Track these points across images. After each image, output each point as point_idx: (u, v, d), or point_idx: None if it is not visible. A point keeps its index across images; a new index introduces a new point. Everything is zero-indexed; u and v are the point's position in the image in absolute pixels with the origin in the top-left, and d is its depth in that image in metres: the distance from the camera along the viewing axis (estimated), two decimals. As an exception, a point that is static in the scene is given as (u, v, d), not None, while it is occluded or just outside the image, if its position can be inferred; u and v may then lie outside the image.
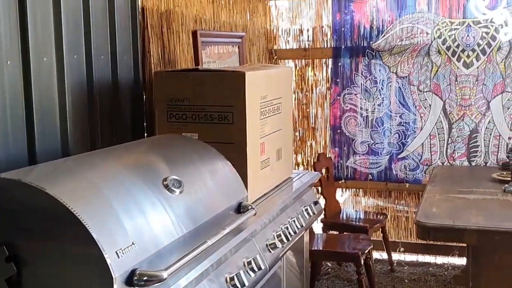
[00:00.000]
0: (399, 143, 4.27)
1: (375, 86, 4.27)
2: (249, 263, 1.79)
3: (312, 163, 4.35)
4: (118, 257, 1.25)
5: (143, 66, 2.52)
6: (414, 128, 4.22)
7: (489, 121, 4.06)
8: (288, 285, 2.35)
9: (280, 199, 2.32)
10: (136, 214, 1.40)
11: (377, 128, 4.30)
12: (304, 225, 2.42)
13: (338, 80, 4.37)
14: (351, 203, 4.67)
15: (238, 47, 3.53)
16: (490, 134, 4.07)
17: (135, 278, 1.27)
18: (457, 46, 4.05)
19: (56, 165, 1.59)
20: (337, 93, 4.38)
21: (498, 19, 3.21)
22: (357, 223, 4.00)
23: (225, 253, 1.67)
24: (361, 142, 4.35)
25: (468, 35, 4.03)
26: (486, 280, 2.67)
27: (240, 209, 1.86)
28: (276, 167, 2.47)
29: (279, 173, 2.53)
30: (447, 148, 4.17)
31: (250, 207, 1.86)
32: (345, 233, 3.91)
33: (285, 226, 2.23)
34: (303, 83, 4.56)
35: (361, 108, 4.32)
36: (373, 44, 4.23)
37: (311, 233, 3.61)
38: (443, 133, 4.16)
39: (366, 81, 4.28)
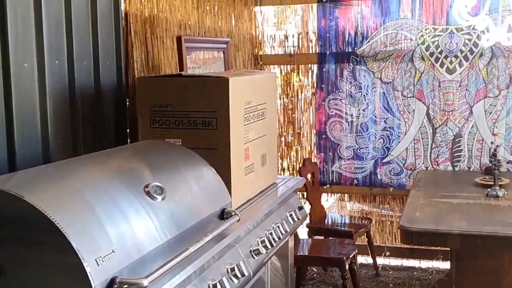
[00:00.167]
0: (384, 147, 4.29)
1: (359, 92, 4.29)
2: (233, 269, 1.78)
3: (297, 168, 4.36)
4: (98, 265, 1.23)
5: (126, 71, 2.51)
6: (399, 133, 4.25)
7: (472, 126, 4.10)
8: (272, 291, 2.35)
9: (264, 205, 2.32)
10: (117, 221, 1.39)
11: (362, 133, 4.32)
12: (288, 230, 2.42)
13: (323, 85, 4.38)
14: (336, 208, 4.68)
15: (223, 52, 3.53)
16: (473, 139, 4.12)
17: (115, 286, 1.25)
18: (440, 52, 4.09)
19: (36, 172, 1.57)
20: (322, 99, 4.40)
21: (480, 25, 3.23)
22: (342, 228, 4.01)
23: (208, 259, 1.66)
24: (346, 147, 4.37)
25: (451, 42, 4.07)
26: (469, 284, 2.69)
27: (223, 215, 1.85)
28: (261, 173, 2.46)
29: (263, 179, 2.52)
30: (431, 153, 4.20)
31: (233, 213, 1.86)
32: (330, 238, 3.91)
33: (269, 231, 2.23)
34: (288, 89, 4.57)
35: (346, 114, 4.34)
36: (358, 50, 4.26)
37: (296, 238, 3.61)
38: (427, 138, 4.20)
39: (351, 86, 4.30)
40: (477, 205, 3.01)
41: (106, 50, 2.34)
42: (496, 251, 2.66)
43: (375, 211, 4.46)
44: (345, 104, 4.33)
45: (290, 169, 4.61)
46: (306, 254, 3.56)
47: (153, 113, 2.14)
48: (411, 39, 4.14)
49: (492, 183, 3.22)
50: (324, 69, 4.37)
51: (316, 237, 4.02)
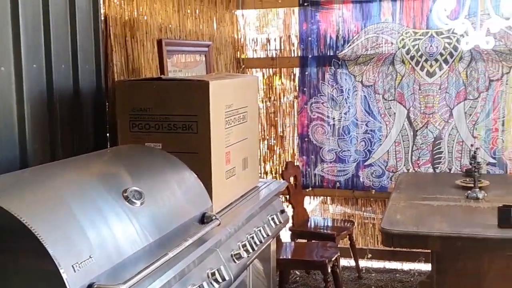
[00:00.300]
0: (366, 150, 4.31)
1: (341, 95, 4.31)
2: (213, 274, 1.77)
3: (280, 172, 4.36)
4: (75, 271, 1.22)
5: (106, 75, 2.49)
6: (380, 135, 4.27)
7: (452, 128, 4.15)
8: (254, 295, 2.34)
9: (245, 209, 2.31)
10: (95, 226, 1.37)
11: (344, 136, 4.34)
12: (270, 234, 2.41)
13: (305, 89, 4.40)
14: (319, 211, 4.70)
15: (205, 56, 3.52)
16: (453, 141, 4.16)
17: (93, 292, 1.24)
18: (421, 56, 4.13)
19: (13, 177, 1.55)
20: (305, 102, 4.41)
21: (460, 29, 3.27)
22: (324, 231, 4.01)
23: (188, 264, 1.65)
24: (328, 150, 4.38)
25: (431, 45, 4.11)
26: (450, 285, 2.71)
27: (204, 219, 1.84)
28: (242, 176, 2.46)
29: (245, 182, 2.52)
30: (412, 155, 4.24)
31: (214, 217, 1.85)
32: (313, 241, 3.92)
33: (251, 235, 2.22)
34: (271, 92, 4.57)
35: (328, 117, 4.36)
36: (339, 54, 4.28)
37: (279, 241, 3.61)
38: (408, 140, 4.23)
39: (333, 90, 4.32)
40: (457, 207, 3.03)
41: (85, 53, 2.31)
42: (476, 253, 2.68)
43: (357, 213, 4.48)
44: (327, 107, 4.35)
45: (273, 172, 4.61)
46: (289, 257, 3.56)
47: (133, 117, 2.12)
48: (392, 43, 4.18)
49: (472, 185, 3.25)
50: (306, 73, 4.38)
51: (299, 240, 4.02)
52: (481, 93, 4.09)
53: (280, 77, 4.55)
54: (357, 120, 4.30)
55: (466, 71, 4.08)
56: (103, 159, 1.87)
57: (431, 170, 4.20)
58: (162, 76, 2.42)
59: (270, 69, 4.54)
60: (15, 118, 1.90)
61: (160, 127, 2.09)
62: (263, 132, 4.57)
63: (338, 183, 4.40)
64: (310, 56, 4.36)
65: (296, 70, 4.45)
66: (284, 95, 4.56)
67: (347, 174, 4.37)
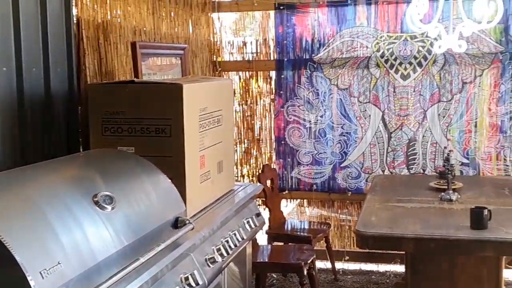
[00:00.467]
0: (342, 152, 4.34)
1: (317, 98, 4.33)
2: (187, 278, 1.76)
3: (257, 175, 4.36)
4: (43, 278, 1.20)
5: (79, 78, 2.46)
6: (355, 138, 4.31)
7: (426, 130, 4.20)
8: (230, 298, 2.33)
9: (220, 212, 2.31)
10: (64, 232, 1.35)
11: (320, 138, 4.37)
12: (245, 237, 2.41)
13: (281, 92, 4.41)
14: (296, 214, 4.71)
15: (181, 59, 3.50)
16: (427, 142, 4.21)
17: (61, 299, 1.22)
18: (395, 59, 4.18)
19: (-20, 182, 1.51)
20: (281, 105, 4.42)
21: (433, 33, 3.31)
22: (300, 234, 4.02)
23: (161, 269, 1.63)
24: (305, 153, 4.40)
25: (405, 49, 4.16)
26: (424, 287, 2.74)
27: (177, 224, 1.83)
28: (217, 180, 2.45)
29: (220, 186, 2.51)
30: (386, 157, 4.28)
31: (187, 221, 1.84)
32: (289, 244, 3.92)
33: (226, 239, 2.22)
34: (247, 95, 4.57)
35: (304, 120, 4.38)
36: (315, 57, 4.30)
37: (255, 245, 3.60)
38: (383, 142, 4.27)
39: (309, 93, 4.34)
40: (431, 209, 3.07)
41: (57, 56, 2.28)
42: (450, 255, 2.71)
43: (334, 216, 4.51)
44: (303, 110, 4.37)
45: (250, 175, 4.61)
46: (265, 260, 3.55)
47: (105, 120, 2.10)
48: (366, 46, 4.21)
49: (446, 187, 3.29)
50: (282, 76, 4.39)
51: (275, 243, 4.02)
52: (454, 96, 4.15)
53: (257, 80, 4.55)
54: (333, 122, 4.32)
55: (439, 73, 4.14)
56: (74, 163, 1.85)
57: (405, 171, 4.25)
58: (135, 79, 2.40)
59: (247, 72, 4.54)
60: (-16, 122, 1.86)
61: (133, 131, 2.07)
62: (239, 135, 4.57)
63: (314, 185, 4.42)
64: (286, 59, 4.37)
65: (273, 73, 4.46)
66: (260, 98, 4.57)
67: (323, 176, 4.40)
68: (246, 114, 4.56)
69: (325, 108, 4.32)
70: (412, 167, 4.25)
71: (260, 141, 4.57)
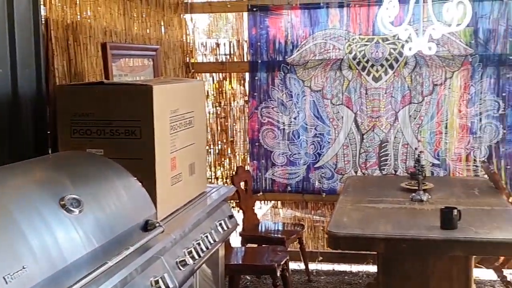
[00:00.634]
0: (315, 153, 4.37)
1: (290, 100, 4.35)
2: (157, 282, 1.74)
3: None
4: (6, 283, 1.17)
5: (47, 79, 2.41)
6: (329, 139, 4.33)
7: (397, 131, 4.25)
8: (202, 301, 2.32)
9: (192, 215, 2.29)
10: (29, 236, 1.32)
11: (294, 140, 4.38)
12: (217, 240, 2.40)
13: (255, 93, 4.41)
14: (271, 215, 4.71)
15: (153, 60, 3.48)
16: (399, 143, 4.26)
17: (25, 305, 1.19)
18: (367, 61, 4.22)
19: None
20: (255, 107, 4.42)
21: (403, 35, 3.35)
22: (274, 235, 4.03)
23: (130, 272, 1.61)
24: (279, 154, 4.41)
25: (377, 51, 4.20)
26: (395, 287, 2.77)
27: (147, 227, 1.81)
28: (189, 182, 2.43)
29: (192, 188, 2.49)
30: (359, 158, 4.32)
31: (157, 224, 1.82)
32: (263, 245, 3.92)
33: (197, 242, 2.20)
34: (221, 97, 4.56)
35: (278, 121, 4.39)
36: (288, 59, 4.31)
37: (229, 247, 3.59)
38: (355, 144, 4.31)
39: (282, 94, 4.35)
40: (402, 210, 3.10)
41: (24, 57, 2.24)
42: (420, 255, 2.74)
43: (307, 217, 4.52)
44: (277, 112, 4.38)
45: (224, 177, 4.60)
46: (238, 262, 3.55)
47: (74, 122, 2.07)
48: (339, 49, 4.24)
49: (417, 187, 3.33)
50: (256, 78, 4.39)
51: (249, 245, 4.02)
52: (425, 97, 4.20)
53: (230, 82, 4.54)
54: (306, 124, 4.34)
55: (410, 75, 4.20)
56: (42, 166, 1.81)
57: (378, 172, 4.29)
58: (104, 80, 2.37)
59: (220, 74, 4.53)
60: None
61: (102, 133, 2.04)
62: (213, 137, 4.55)
63: (289, 186, 4.43)
64: (259, 61, 4.37)
65: (246, 75, 4.46)
66: (234, 100, 4.56)
67: (298, 176, 4.41)
68: (220, 116, 4.55)
69: (299, 109, 4.34)
70: (384, 168, 4.30)
71: (234, 143, 4.56)
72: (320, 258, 4.46)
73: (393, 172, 4.27)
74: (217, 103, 4.55)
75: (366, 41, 4.21)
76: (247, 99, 4.46)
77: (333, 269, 4.43)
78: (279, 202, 4.60)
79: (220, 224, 2.50)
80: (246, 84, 4.47)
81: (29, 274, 1.25)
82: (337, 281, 4.22)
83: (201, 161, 2.61)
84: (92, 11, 2.87)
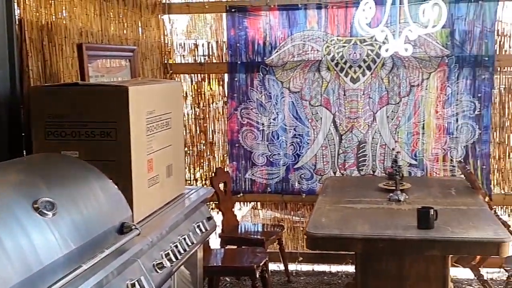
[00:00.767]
0: (295, 154, 4.38)
1: (269, 101, 4.35)
2: (133, 285, 1.72)
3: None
4: (-23, 289, 1.15)
5: (21, 80, 2.38)
6: (308, 140, 4.35)
7: (375, 132, 4.28)
8: (180, 304, 2.30)
9: (169, 217, 2.27)
10: (3, 239, 1.30)
11: (273, 141, 4.39)
12: (196, 241, 2.38)
13: (234, 95, 4.40)
14: (250, 217, 4.70)
15: (130, 61, 3.45)
16: (377, 144, 4.30)
17: (-5, 311, 1.17)
18: (345, 63, 4.24)
19: None
20: (234, 108, 4.41)
21: (380, 36, 3.37)
22: (253, 236, 4.03)
23: (106, 275, 1.59)
24: (259, 154, 4.41)
25: (354, 52, 4.23)
26: (373, 286, 2.78)
27: (123, 229, 1.79)
28: (167, 184, 2.42)
29: (170, 190, 2.48)
30: (338, 158, 4.34)
31: (133, 227, 1.80)
32: (243, 247, 3.92)
33: (175, 244, 2.19)
34: (199, 98, 4.54)
35: (257, 122, 4.39)
36: (267, 60, 4.32)
37: (208, 248, 3.58)
38: (334, 144, 4.33)
39: (261, 96, 4.36)
40: (379, 210, 3.12)
41: (-3, 58, 2.21)
42: (397, 254, 2.77)
43: (287, 218, 4.53)
44: (256, 113, 4.38)
45: (203, 179, 4.58)
46: (218, 264, 3.54)
47: (49, 124, 2.04)
48: (317, 50, 4.26)
49: (394, 187, 3.36)
50: (235, 79, 4.39)
51: (229, 246, 4.00)
52: (402, 98, 4.24)
53: (209, 83, 4.53)
54: (285, 125, 4.35)
55: (388, 77, 4.23)
56: (15, 168, 1.78)
57: (356, 173, 4.32)
58: (79, 81, 2.34)
59: (199, 75, 4.51)
60: None
61: (77, 135, 2.02)
62: (192, 138, 4.53)
63: (268, 187, 4.43)
64: (238, 62, 4.37)
65: (225, 76, 4.45)
66: (213, 101, 4.55)
67: (277, 176, 4.42)
68: (199, 117, 4.53)
69: (278, 111, 4.35)
70: (362, 169, 4.32)
71: (213, 144, 4.55)
72: (300, 258, 4.47)
73: (371, 172, 4.31)
74: (195, 104, 4.53)
75: (344, 43, 4.23)
76: (226, 100, 4.46)
77: (313, 270, 4.45)
78: (258, 203, 4.60)
79: (198, 226, 2.49)
80: (225, 85, 4.46)
81: (3, 277, 1.22)
82: (316, 282, 4.23)
83: (179, 163, 2.59)
84: (68, 12, 2.84)
